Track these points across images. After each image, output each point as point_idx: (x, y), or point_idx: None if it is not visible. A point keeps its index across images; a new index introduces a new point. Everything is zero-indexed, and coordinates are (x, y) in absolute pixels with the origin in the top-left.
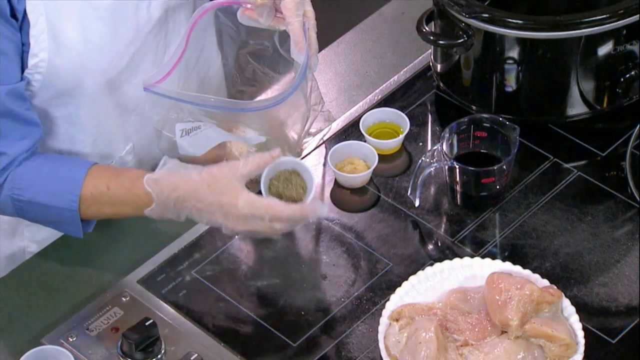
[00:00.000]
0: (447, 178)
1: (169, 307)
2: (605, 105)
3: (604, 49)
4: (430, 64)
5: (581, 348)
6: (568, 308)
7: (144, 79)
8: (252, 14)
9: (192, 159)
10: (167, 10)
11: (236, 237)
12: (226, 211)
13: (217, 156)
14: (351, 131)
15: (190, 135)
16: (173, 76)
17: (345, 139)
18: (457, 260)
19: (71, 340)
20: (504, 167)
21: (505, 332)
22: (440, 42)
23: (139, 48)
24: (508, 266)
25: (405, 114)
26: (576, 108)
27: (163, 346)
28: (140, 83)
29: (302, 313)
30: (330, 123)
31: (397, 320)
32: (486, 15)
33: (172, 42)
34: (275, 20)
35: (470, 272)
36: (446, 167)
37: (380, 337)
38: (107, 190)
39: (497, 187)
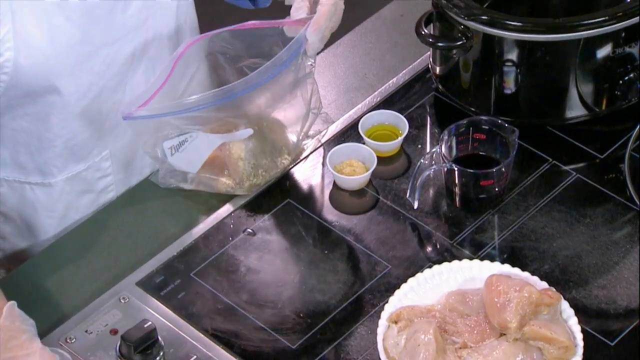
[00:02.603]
0: (446, 180)
1: (167, 309)
2: (604, 107)
3: (603, 52)
4: (429, 66)
5: (580, 350)
6: (567, 310)
7: (122, 109)
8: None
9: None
10: (147, 15)
11: (233, 240)
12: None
13: (217, 158)
14: (350, 133)
15: (180, 151)
16: (153, 103)
17: (344, 141)
18: (456, 262)
19: (70, 342)
20: (503, 169)
21: (504, 334)
22: (439, 44)
23: (114, 52)
24: (507, 268)
25: (404, 116)
26: (575, 110)
27: (162, 348)
28: (115, 88)
29: (301, 315)
30: (328, 125)
31: (395, 322)
32: (485, 17)
33: (151, 48)
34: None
35: (469, 274)
36: (445, 169)
37: (379, 339)
38: None
39: (496, 189)
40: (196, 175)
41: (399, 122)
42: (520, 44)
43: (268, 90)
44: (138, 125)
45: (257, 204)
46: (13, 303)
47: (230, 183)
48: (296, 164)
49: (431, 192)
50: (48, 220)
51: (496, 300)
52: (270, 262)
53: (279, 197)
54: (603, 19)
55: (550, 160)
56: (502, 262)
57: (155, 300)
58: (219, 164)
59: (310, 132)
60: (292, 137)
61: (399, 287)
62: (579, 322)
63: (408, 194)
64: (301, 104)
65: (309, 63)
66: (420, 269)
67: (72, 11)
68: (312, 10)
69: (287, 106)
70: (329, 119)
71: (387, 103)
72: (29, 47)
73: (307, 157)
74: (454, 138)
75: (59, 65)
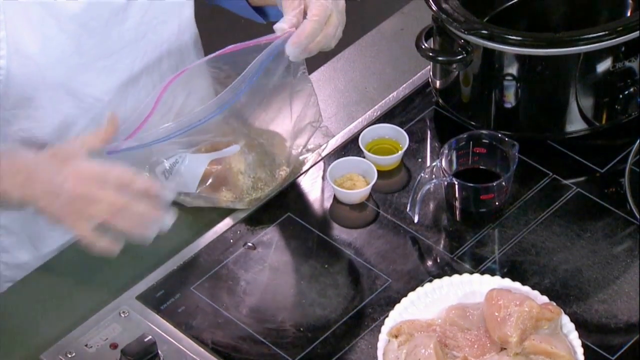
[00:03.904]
0: (446, 194)
1: (167, 323)
2: (604, 121)
3: (603, 66)
4: (429, 80)
5: None
6: (567, 325)
7: (108, 146)
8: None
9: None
10: (146, 29)
11: (233, 254)
12: (65, 174)
13: (217, 173)
14: (350, 147)
15: (173, 173)
16: (141, 132)
17: (345, 155)
18: (456, 276)
19: (69, 356)
20: (503, 183)
21: (505, 348)
22: (439, 58)
23: (110, 65)
24: (507, 282)
25: (405, 130)
26: (575, 125)
27: None
28: (111, 100)
29: (301, 329)
30: (328, 139)
31: (396, 336)
32: (485, 31)
33: (151, 63)
34: None
35: (469, 288)
36: (445, 183)
37: (379, 353)
38: None
39: (496, 203)
40: (197, 192)
41: (399, 136)
42: (521, 58)
43: (251, 102)
44: (125, 157)
45: (257, 218)
46: None
47: (230, 197)
48: (296, 178)
49: (431, 206)
50: (51, 233)
51: (496, 314)
52: (270, 276)
53: (279, 211)
54: (603, 33)
55: (551, 174)
56: (503, 276)
57: (156, 314)
58: (219, 179)
59: (310, 146)
60: (291, 150)
61: (399, 301)
62: (580, 336)
63: (408, 208)
64: (299, 117)
65: (300, 72)
66: (420, 283)
67: (67, 22)
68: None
69: (285, 118)
70: (329, 133)
71: (387, 117)
72: (21, 57)
73: (307, 170)
74: (454, 152)
75: (50, 76)
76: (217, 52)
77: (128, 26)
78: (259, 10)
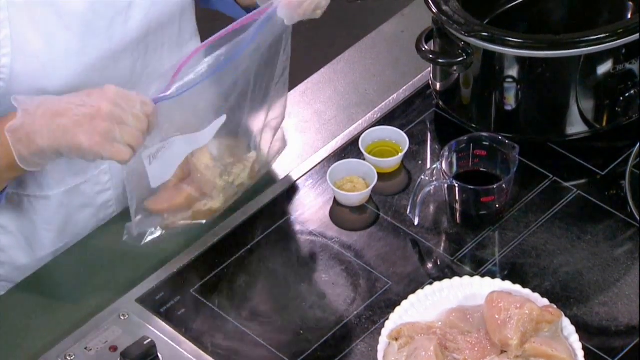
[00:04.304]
0: (447, 197)
1: (167, 326)
2: (604, 124)
3: (604, 68)
4: (430, 82)
5: None
6: (568, 327)
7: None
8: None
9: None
10: (148, 29)
11: (233, 257)
12: (95, 98)
13: (184, 172)
14: (350, 149)
15: (157, 157)
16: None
17: (345, 157)
18: (456, 279)
19: (69, 359)
20: (504, 185)
21: (505, 351)
22: (440, 60)
23: (113, 65)
24: (508, 285)
25: (405, 133)
26: (576, 127)
27: None
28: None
29: (301, 332)
30: (284, 146)
31: (396, 339)
32: (485, 34)
33: (152, 63)
34: None
35: (469, 291)
36: (445, 185)
37: (380, 356)
38: None
39: (497, 205)
40: (168, 218)
41: (400, 138)
42: (521, 60)
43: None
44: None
45: (257, 221)
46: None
47: (205, 202)
48: (297, 180)
49: (432, 208)
50: (46, 234)
51: (497, 317)
52: (270, 279)
53: (279, 214)
54: (604, 35)
55: (551, 176)
56: (503, 279)
57: (155, 317)
58: (188, 178)
59: (269, 159)
60: (257, 138)
61: (399, 304)
62: (580, 339)
63: (409, 211)
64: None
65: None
66: (420, 285)
67: (71, 20)
68: None
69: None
70: (285, 141)
71: (387, 119)
72: (26, 54)
73: (307, 173)
74: (455, 154)
75: (54, 75)
76: (219, 34)
77: (131, 26)
78: (250, 10)
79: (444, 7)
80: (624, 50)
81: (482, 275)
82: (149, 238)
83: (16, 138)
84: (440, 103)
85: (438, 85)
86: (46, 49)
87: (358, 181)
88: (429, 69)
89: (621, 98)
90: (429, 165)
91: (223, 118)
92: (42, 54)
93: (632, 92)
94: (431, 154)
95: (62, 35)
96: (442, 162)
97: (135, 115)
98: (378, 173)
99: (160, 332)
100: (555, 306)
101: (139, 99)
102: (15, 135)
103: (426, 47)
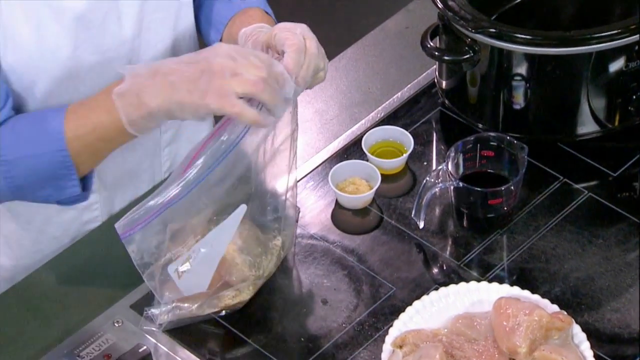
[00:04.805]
0: (453, 199)
1: (163, 333)
2: (616, 123)
3: (616, 66)
4: (435, 80)
5: None
6: (579, 335)
7: (117, 226)
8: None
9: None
10: (142, 27)
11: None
12: (205, 55)
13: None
14: (353, 150)
15: (187, 270)
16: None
17: (347, 158)
18: (463, 284)
19: None
20: (512, 187)
21: (513, 359)
22: (446, 57)
23: (106, 62)
24: (516, 291)
25: (409, 132)
26: (587, 126)
27: None
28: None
29: (302, 339)
30: (298, 211)
31: (400, 347)
32: (493, 30)
33: (147, 61)
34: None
35: (476, 296)
36: (452, 187)
37: None
38: (83, 107)
39: (505, 208)
40: (196, 310)
41: (404, 138)
42: (530, 57)
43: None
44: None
45: None
46: None
47: (233, 294)
48: (298, 182)
49: (437, 211)
50: (25, 233)
51: (505, 324)
52: (269, 284)
53: None
54: (616, 31)
55: (561, 178)
56: (511, 284)
57: (151, 324)
58: (217, 292)
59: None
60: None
61: (403, 310)
62: (592, 347)
63: (413, 213)
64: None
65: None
66: (426, 291)
67: (64, 14)
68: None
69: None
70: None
71: (391, 118)
72: (15, 46)
73: (308, 174)
74: (461, 155)
75: (43, 69)
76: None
77: (125, 22)
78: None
79: (450, 3)
80: (637, 47)
81: (490, 281)
82: (170, 326)
83: (125, 101)
84: (446, 102)
85: (444, 84)
86: (36, 42)
87: (361, 183)
88: (435, 66)
89: (634, 97)
90: (434, 167)
91: (243, 208)
92: (31, 47)
93: None
94: (437, 155)
95: (53, 29)
96: (448, 163)
97: (250, 63)
98: (381, 174)
99: (156, 339)
100: (565, 312)
101: (252, 51)
102: (123, 98)
103: (432, 43)
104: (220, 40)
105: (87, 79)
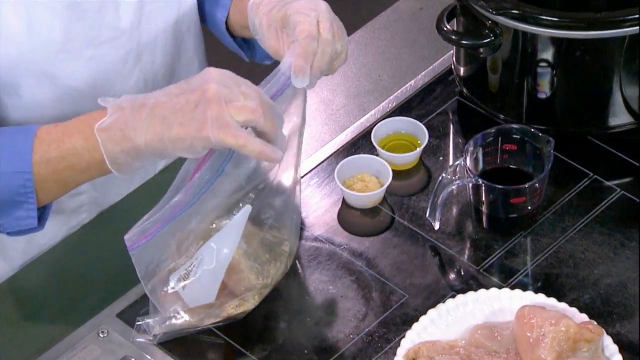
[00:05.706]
0: (472, 198)
1: (152, 345)
2: None
3: None
4: (453, 67)
5: None
6: (610, 347)
7: (127, 238)
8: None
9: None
10: (141, 17)
11: None
12: (196, 82)
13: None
14: (362, 143)
15: (190, 279)
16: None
17: (355, 153)
18: (482, 291)
19: None
20: (537, 185)
21: None
22: (464, 42)
23: (103, 54)
24: (541, 299)
25: (424, 124)
26: (619, 118)
27: None
28: (101, 99)
29: (306, 352)
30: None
31: None
32: (516, 12)
33: (145, 54)
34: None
35: (497, 305)
36: (470, 185)
37: None
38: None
39: (529, 208)
40: (196, 322)
41: (418, 131)
42: (557, 42)
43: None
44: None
45: None
46: None
47: (237, 304)
48: (301, 178)
49: (454, 211)
50: (14, 244)
51: (529, 335)
52: (270, 291)
53: None
54: None
55: (591, 174)
56: (536, 292)
57: (144, 336)
58: (221, 301)
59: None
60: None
61: (417, 320)
62: None
63: (428, 214)
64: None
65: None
66: (442, 299)
67: (57, 2)
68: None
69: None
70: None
71: (404, 109)
72: (4, 37)
73: (312, 170)
74: (481, 149)
75: (34, 61)
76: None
77: (123, 13)
78: (237, 41)
79: None
80: None
81: (512, 288)
82: (165, 338)
83: (108, 137)
84: (465, 91)
85: (462, 71)
86: (27, 32)
87: (370, 180)
88: (452, 52)
89: None
90: (451, 162)
91: (249, 209)
92: (21, 38)
93: None
94: (454, 149)
95: (45, 18)
96: (466, 158)
97: (244, 93)
98: (393, 171)
99: (144, 351)
100: (595, 323)
101: (242, 79)
102: (106, 134)
103: (448, 27)
104: (228, 17)
105: (78, 73)
